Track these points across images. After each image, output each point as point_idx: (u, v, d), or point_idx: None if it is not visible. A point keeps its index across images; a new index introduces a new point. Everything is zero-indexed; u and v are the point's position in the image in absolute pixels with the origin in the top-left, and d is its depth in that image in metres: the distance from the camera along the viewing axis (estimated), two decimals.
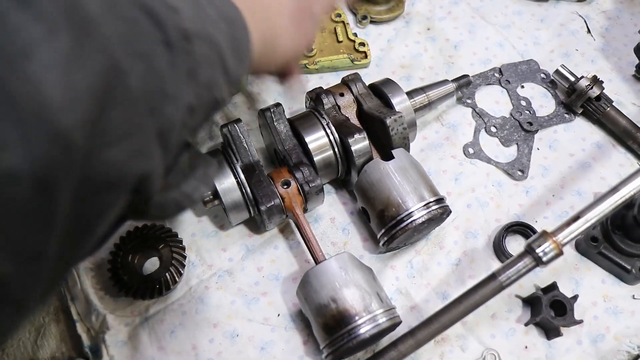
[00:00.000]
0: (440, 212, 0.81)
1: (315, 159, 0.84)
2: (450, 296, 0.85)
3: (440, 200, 0.81)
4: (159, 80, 0.40)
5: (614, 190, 0.74)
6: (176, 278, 0.82)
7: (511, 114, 1.02)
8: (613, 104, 1.00)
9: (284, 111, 0.85)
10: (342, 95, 0.87)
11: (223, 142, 0.86)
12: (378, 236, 0.83)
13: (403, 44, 1.09)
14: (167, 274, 0.81)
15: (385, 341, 0.78)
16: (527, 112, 1.02)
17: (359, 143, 0.83)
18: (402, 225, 0.78)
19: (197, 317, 0.84)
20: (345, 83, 0.89)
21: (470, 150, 0.98)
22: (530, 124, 1.00)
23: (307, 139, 0.83)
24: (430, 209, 0.79)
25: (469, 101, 1.03)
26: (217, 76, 0.48)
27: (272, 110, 0.84)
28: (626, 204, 0.74)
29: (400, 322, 0.76)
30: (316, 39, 1.06)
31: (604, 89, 1.00)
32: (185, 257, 0.84)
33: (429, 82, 0.98)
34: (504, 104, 1.04)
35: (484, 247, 0.90)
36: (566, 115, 1.02)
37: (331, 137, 0.84)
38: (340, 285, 0.72)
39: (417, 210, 0.78)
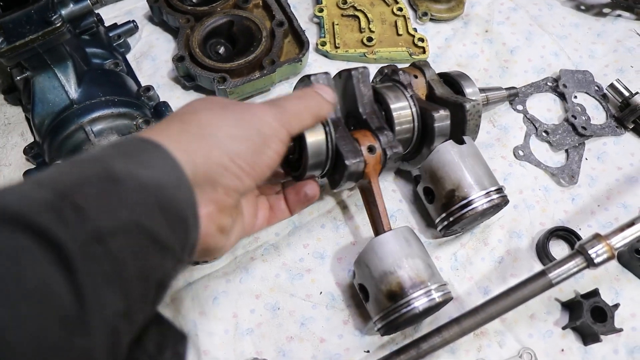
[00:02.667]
0: (502, 202, 0.82)
1: (397, 128, 0.82)
2: (492, 292, 0.85)
3: (501, 189, 0.83)
4: (60, 321, 0.35)
5: None
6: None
7: (565, 119, 1.02)
8: None
9: (369, 74, 0.82)
10: (415, 77, 0.87)
11: None
12: (440, 218, 0.83)
13: (461, 44, 1.10)
14: None
15: (427, 328, 0.79)
16: (582, 117, 1.02)
17: (443, 121, 0.81)
18: (471, 207, 0.79)
19: (241, 287, 0.85)
20: (418, 67, 0.89)
21: (520, 153, 0.98)
22: (585, 128, 1.01)
23: (392, 107, 0.81)
24: (495, 197, 0.81)
25: (520, 107, 1.04)
26: (151, 260, 0.43)
27: (359, 70, 0.80)
28: None
29: (452, 298, 0.77)
30: (377, 30, 1.07)
31: None
32: None
33: (482, 84, 1.00)
34: (555, 112, 1.05)
35: (527, 248, 0.91)
36: (617, 129, 1.02)
37: (413, 110, 0.82)
38: (407, 255, 0.73)
39: (484, 195, 0.80)
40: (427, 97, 0.86)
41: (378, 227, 0.78)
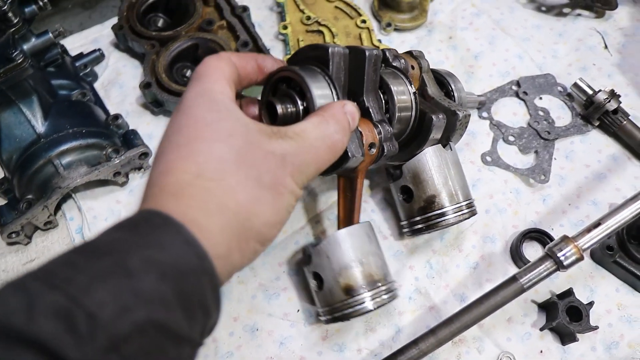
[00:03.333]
0: (470, 215, 0.84)
1: (395, 124, 0.78)
2: (468, 298, 0.86)
3: (472, 202, 0.86)
4: None
5: (635, 199, 0.76)
6: None
7: (529, 124, 1.04)
8: (629, 117, 1.02)
9: (381, 58, 0.76)
10: (412, 68, 0.84)
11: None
12: (413, 220, 0.84)
13: (425, 52, 1.11)
14: None
15: (405, 339, 0.80)
16: (545, 121, 1.04)
17: (440, 126, 0.80)
18: (446, 217, 0.81)
19: None
20: (415, 57, 0.86)
21: (488, 159, 1.00)
22: (549, 132, 1.02)
23: (397, 101, 0.77)
24: (466, 210, 0.83)
25: (485, 115, 1.05)
26: (167, 354, 0.42)
27: (375, 53, 0.73)
28: None
29: (397, 296, 0.78)
30: (342, 43, 1.08)
31: (621, 102, 1.02)
32: None
33: None
34: (521, 115, 1.06)
35: (501, 252, 0.92)
36: (583, 127, 1.04)
37: (414, 108, 0.80)
38: (369, 252, 0.75)
39: (458, 207, 0.82)
40: (419, 93, 0.84)
41: (349, 219, 0.77)
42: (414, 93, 0.80)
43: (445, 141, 0.84)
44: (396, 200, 0.88)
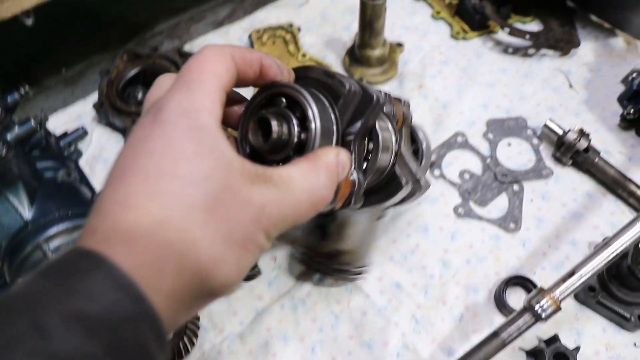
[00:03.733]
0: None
1: (369, 175, 0.72)
2: (456, 351, 0.87)
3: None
4: None
5: (606, 245, 0.78)
6: (189, 348, 0.85)
7: (488, 168, 1.07)
8: (601, 154, 1.05)
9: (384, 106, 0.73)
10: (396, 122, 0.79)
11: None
12: (315, 261, 0.89)
13: None
14: (180, 343, 0.84)
15: None
16: (505, 165, 1.07)
17: (404, 192, 0.78)
18: (344, 275, 0.89)
19: None
20: (404, 112, 0.82)
21: (461, 211, 1.02)
22: (505, 175, 1.05)
23: (379, 154, 0.71)
24: (362, 273, 0.91)
25: (437, 173, 1.07)
26: None
27: (381, 100, 0.66)
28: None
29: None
30: None
31: (590, 140, 1.05)
32: (198, 327, 0.87)
33: None
34: (475, 165, 1.09)
35: (485, 301, 0.93)
36: (544, 172, 1.07)
37: (391, 163, 0.75)
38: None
39: (363, 269, 0.90)
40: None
41: None
42: (396, 153, 0.76)
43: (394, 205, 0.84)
44: (307, 225, 0.90)
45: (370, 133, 0.71)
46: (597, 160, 1.04)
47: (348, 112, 0.62)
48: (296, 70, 0.63)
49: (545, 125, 1.08)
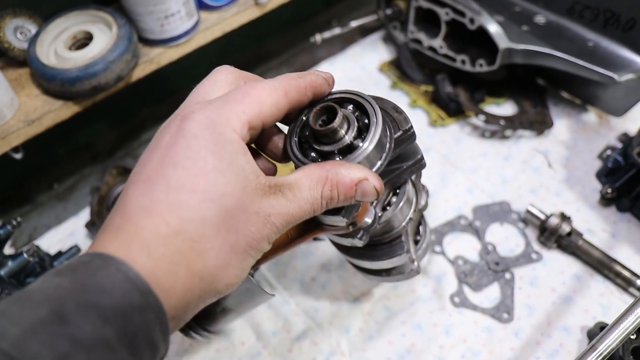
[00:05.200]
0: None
1: (384, 220, 0.74)
2: None
3: None
4: None
5: (592, 348, 0.79)
6: None
7: (480, 256, 1.09)
8: (584, 236, 1.07)
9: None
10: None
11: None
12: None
13: None
14: None
15: None
16: (496, 253, 1.09)
17: (403, 258, 0.78)
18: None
19: None
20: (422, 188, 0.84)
21: (457, 300, 1.03)
22: (497, 264, 1.07)
23: (406, 193, 0.74)
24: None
25: (437, 249, 1.10)
26: None
27: (424, 166, 0.68)
28: None
29: None
30: None
31: (572, 221, 1.07)
32: None
33: None
34: (473, 249, 1.10)
35: None
36: (533, 256, 1.08)
37: (401, 226, 0.76)
38: None
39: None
40: None
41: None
42: (410, 218, 0.77)
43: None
44: None
45: (399, 187, 0.73)
46: (580, 242, 1.06)
47: (399, 149, 0.63)
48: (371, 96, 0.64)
49: (527, 211, 1.10)
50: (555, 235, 1.06)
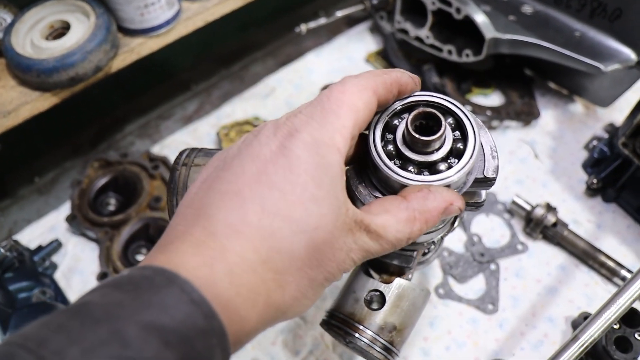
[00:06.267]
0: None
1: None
2: None
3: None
4: None
5: (575, 339, 0.79)
6: None
7: (465, 248, 1.08)
8: (569, 226, 1.06)
9: None
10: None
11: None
12: (356, 325, 0.69)
13: None
14: None
15: None
16: (481, 244, 1.08)
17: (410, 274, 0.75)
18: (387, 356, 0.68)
19: None
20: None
21: (441, 291, 1.03)
22: (482, 255, 1.06)
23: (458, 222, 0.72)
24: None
25: None
26: None
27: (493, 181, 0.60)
28: None
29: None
30: None
31: (557, 212, 1.06)
32: None
33: None
34: (458, 241, 1.10)
35: None
36: (518, 247, 1.08)
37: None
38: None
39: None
40: None
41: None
42: (433, 242, 0.74)
43: None
44: (360, 296, 0.70)
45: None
46: (566, 233, 1.05)
47: (471, 188, 0.59)
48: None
49: (513, 202, 1.09)
50: (540, 226, 1.06)
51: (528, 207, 1.08)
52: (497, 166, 0.57)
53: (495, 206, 1.13)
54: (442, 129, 0.52)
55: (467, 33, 1.19)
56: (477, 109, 1.21)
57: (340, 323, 0.66)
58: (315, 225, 0.46)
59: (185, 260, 0.43)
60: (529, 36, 1.14)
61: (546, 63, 1.16)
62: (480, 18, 1.14)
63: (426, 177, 0.53)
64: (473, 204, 0.62)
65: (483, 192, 0.63)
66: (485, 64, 1.28)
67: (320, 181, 0.46)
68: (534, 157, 1.20)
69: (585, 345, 0.78)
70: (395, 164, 0.54)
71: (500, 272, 1.05)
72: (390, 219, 0.50)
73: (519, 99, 1.25)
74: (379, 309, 0.67)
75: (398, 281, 0.68)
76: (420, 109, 0.54)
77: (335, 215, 0.47)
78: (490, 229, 1.11)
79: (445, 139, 0.54)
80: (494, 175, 0.57)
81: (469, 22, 1.16)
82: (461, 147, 0.54)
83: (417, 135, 0.52)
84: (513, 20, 1.19)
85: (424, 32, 1.24)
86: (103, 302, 0.40)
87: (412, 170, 0.54)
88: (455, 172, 0.53)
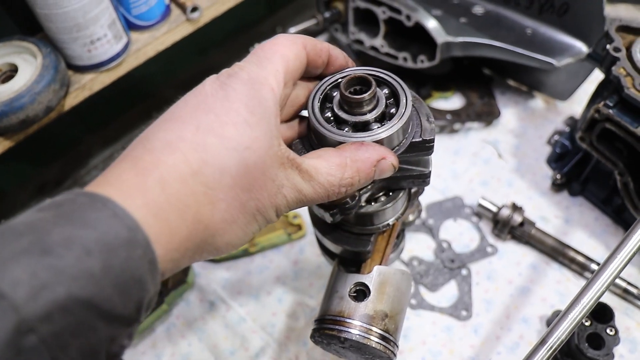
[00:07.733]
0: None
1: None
2: None
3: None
4: None
5: (543, 342, 0.78)
6: None
7: (435, 255, 1.08)
8: (537, 224, 1.06)
9: None
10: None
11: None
12: (317, 320, 0.69)
13: None
14: None
15: None
16: (451, 250, 1.08)
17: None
18: (387, 348, 0.67)
19: None
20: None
21: (413, 302, 1.02)
22: (452, 261, 1.06)
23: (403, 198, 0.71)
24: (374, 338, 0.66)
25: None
26: (98, 334, 0.40)
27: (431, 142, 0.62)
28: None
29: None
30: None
31: (524, 211, 1.06)
32: None
33: None
34: (428, 248, 1.09)
35: None
36: (488, 249, 1.07)
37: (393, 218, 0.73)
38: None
39: (396, 347, 0.69)
40: None
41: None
42: (388, 224, 0.73)
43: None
44: (344, 294, 0.69)
45: (393, 190, 0.70)
46: (533, 231, 1.05)
47: (411, 154, 0.60)
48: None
49: (479, 204, 1.09)
50: (507, 226, 1.06)
51: (494, 209, 1.08)
52: (434, 129, 0.60)
53: (463, 210, 1.13)
54: (372, 88, 0.56)
55: (421, 39, 1.19)
56: (437, 114, 1.21)
57: (331, 324, 0.66)
58: (246, 145, 0.48)
59: (120, 174, 0.45)
60: (481, 37, 1.14)
61: (503, 61, 1.16)
62: (431, 24, 1.15)
63: (359, 134, 0.56)
64: (419, 175, 0.65)
65: (429, 163, 0.66)
66: (443, 67, 1.29)
67: (254, 109, 0.49)
68: (498, 157, 1.20)
69: (554, 347, 0.78)
70: (333, 127, 0.57)
71: (472, 277, 1.05)
72: (322, 162, 0.53)
73: (479, 100, 1.26)
74: (366, 299, 0.67)
75: (377, 268, 0.69)
76: (352, 74, 0.58)
77: (267, 142, 0.49)
78: (459, 233, 1.10)
79: (377, 101, 0.58)
80: (432, 137, 0.59)
81: (421, 28, 1.16)
82: (394, 111, 0.58)
83: (348, 94, 0.56)
84: (464, 22, 1.19)
85: (379, 42, 1.25)
86: (25, 221, 0.41)
87: (348, 130, 0.57)
88: (386, 129, 0.56)
